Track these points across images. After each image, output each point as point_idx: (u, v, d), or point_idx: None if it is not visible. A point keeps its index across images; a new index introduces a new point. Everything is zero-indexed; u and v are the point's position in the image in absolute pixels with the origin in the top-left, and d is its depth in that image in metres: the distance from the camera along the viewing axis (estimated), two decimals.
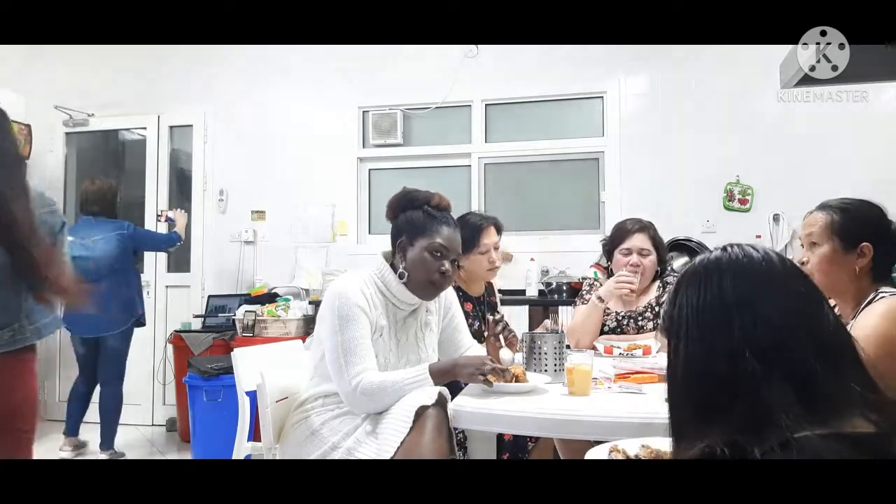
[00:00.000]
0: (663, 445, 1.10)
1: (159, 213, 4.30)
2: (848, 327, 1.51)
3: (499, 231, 2.49)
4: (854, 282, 1.56)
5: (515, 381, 1.72)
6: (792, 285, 0.81)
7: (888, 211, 1.60)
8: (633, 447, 1.12)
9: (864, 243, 1.54)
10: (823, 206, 1.63)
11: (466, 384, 1.85)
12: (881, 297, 1.51)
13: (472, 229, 2.38)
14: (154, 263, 4.75)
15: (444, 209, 1.90)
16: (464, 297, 2.43)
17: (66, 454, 3.77)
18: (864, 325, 1.46)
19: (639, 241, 2.50)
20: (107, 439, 3.78)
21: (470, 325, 2.20)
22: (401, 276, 1.82)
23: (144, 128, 4.92)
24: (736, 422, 0.72)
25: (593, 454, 1.17)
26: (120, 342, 3.76)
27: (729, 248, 0.85)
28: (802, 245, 1.66)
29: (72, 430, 3.85)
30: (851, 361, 0.77)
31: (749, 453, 0.69)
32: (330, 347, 1.73)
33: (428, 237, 1.81)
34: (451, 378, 1.71)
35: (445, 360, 1.83)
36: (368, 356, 1.72)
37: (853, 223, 1.56)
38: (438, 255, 1.81)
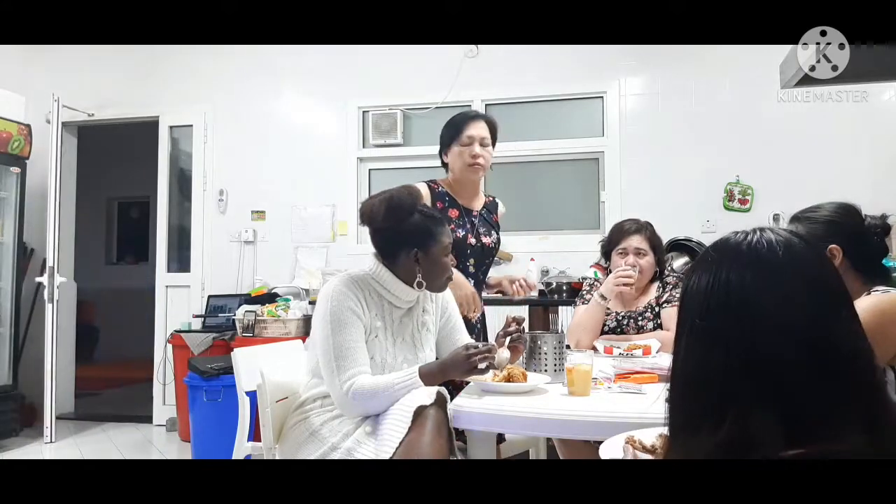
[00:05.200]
0: None
1: None
2: None
3: (492, 128, 2.33)
4: None
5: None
6: (811, 288, 0.73)
7: (861, 208, 1.59)
8: (648, 437, 1.09)
9: (831, 245, 1.52)
10: (791, 220, 1.64)
11: (466, 384, 1.84)
12: (873, 293, 1.51)
13: (455, 125, 2.32)
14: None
15: (424, 203, 1.97)
16: (450, 202, 2.34)
17: None
18: None
19: (636, 241, 2.50)
20: None
21: (452, 231, 2.06)
22: (419, 286, 1.83)
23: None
24: (721, 440, 0.70)
25: (609, 444, 1.16)
26: None
27: (752, 235, 0.77)
28: None
29: None
30: (858, 376, 0.71)
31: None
32: (322, 351, 1.73)
33: (439, 242, 1.84)
34: (442, 379, 1.70)
35: (433, 362, 1.82)
36: (360, 360, 1.72)
37: (818, 229, 1.55)
38: (451, 254, 1.89)
